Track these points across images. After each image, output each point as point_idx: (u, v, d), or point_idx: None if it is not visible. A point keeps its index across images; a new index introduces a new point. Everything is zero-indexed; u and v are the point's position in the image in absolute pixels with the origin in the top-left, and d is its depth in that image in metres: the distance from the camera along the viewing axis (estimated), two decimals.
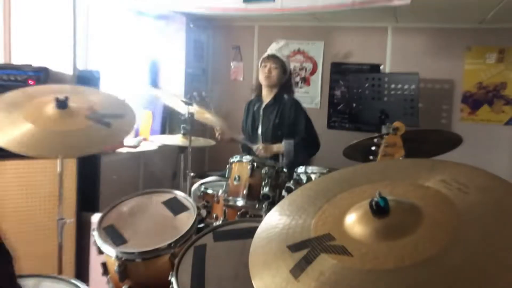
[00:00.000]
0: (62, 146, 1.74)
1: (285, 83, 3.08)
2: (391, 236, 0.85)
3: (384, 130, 1.77)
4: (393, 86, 3.38)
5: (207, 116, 3.00)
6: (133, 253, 1.69)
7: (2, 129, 1.70)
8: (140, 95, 3.96)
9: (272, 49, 3.09)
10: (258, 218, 1.77)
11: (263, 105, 3.08)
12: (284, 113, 2.99)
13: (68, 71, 2.56)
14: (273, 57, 3.03)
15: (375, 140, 1.76)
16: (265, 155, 2.87)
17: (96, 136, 1.81)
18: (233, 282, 1.37)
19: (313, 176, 2.15)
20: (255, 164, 2.25)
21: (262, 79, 3.06)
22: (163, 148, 3.65)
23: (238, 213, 2.21)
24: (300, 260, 0.87)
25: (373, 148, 1.76)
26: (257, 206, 2.21)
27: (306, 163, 2.42)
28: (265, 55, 3.08)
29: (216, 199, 2.45)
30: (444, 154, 2.22)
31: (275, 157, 2.89)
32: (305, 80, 4.28)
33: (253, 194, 2.23)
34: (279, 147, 2.93)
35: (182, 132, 3.01)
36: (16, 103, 1.81)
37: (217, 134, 3.14)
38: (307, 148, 2.94)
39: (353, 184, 1.06)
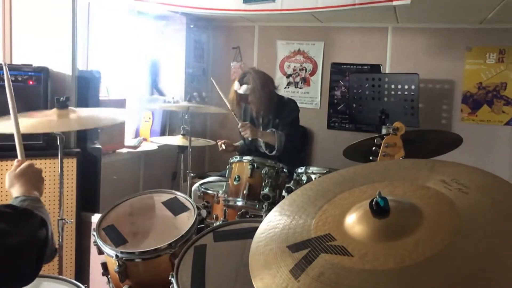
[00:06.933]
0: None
1: (268, 93, 2.96)
2: (391, 236, 0.85)
3: (384, 130, 1.77)
4: (393, 86, 3.37)
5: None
6: (133, 253, 1.69)
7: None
8: (140, 95, 3.96)
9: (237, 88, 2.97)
10: (258, 218, 1.77)
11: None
12: (281, 111, 2.99)
13: (68, 71, 2.56)
14: (243, 94, 2.93)
15: (375, 140, 1.76)
16: (246, 134, 2.84)
17: None
18: (233, 282, 1.37)
19: (313, 176, 2.16)
20: (255, 164, 2.25)
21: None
22: (163, 149, 3.65)
23: (238, 213, 2.21)
24: (300, 260, 0.87)
25: (373, 148, 1.76)
26: (257, 206, 2.22)
27: (304, 163, 2.42)
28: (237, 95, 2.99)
29: (216, 199, 2.45)
30: (444, 154, 2.22)
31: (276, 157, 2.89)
32: (305, 80, 4.27)
33: (253, 194, 2.23)
34: (264, 134, 2.90)
35: (182, 132, 3.01)
36: None
37: (219, 144, 3.03)
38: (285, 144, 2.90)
39: (353, 184, 1.06)
